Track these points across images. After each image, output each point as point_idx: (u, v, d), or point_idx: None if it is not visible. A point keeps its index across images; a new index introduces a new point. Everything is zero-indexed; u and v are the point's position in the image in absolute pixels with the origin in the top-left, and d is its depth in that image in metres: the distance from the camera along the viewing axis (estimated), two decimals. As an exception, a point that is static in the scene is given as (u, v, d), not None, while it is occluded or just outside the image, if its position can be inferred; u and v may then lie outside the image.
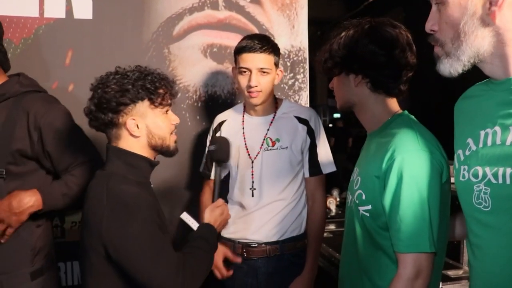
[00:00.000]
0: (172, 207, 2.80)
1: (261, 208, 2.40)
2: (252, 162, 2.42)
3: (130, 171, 1.72)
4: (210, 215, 1.94)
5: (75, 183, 2.08)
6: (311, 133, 2.46)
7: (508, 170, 1.14)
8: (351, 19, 1.68)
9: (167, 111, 1.77)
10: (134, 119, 1.70)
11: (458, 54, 1.22)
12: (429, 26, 1.28)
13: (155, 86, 1.71)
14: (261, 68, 2.31)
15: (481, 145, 1.23)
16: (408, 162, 1.43)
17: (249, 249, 2.43)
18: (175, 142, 1.82)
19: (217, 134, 2.52)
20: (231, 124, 2.52)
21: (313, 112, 2.52)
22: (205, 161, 2.61)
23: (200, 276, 1.72)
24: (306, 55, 3.12)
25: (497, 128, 1.19)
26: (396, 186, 1.44)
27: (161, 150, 1.79)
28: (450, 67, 1.24)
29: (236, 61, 2.39)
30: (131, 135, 1.72)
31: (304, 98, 3.10)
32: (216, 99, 2.98)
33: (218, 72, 2.98)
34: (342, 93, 1.69)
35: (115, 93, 1.66)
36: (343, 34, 1.63)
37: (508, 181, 1.14)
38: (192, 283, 1.66)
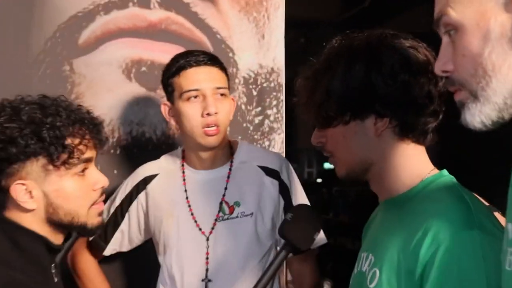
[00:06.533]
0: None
1: None
2: (207, 239, 2.10)
3: (14, 253, 1.57)
4: None
5: None
6: (284, 191, 2.17)
7: None
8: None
9: (84, 169, 1.60)
10: (23, 184, 1.55)
11: (488, 94, 1.08)
12: (441, 65, 1.16)
13: (56, 134, 1.52)
14: (218, 88, 2.03)
15: None
16: (461, 248, 1.26)
17: None
18: (100, 215, 1.62)
19: (140, 196, 2.18)
20: (166, 182, 2.16)
21: (283, 159, 2.30)
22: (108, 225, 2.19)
23: None
24: (282, 79, 2.74)
25: None
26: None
27: (72, 229, 1.68)
28: (480, 113, 1.10)
29: (171, 89, 2.07)
30: (21, 206, 1.56)
31: (279, 143, 2.80)
32: (145, 143, 2.59)
33: (148, 102, 2.58)
34: (354, 151, 1.53)
35: None
36: (342, 61, 1.46)
37: None
38: None
